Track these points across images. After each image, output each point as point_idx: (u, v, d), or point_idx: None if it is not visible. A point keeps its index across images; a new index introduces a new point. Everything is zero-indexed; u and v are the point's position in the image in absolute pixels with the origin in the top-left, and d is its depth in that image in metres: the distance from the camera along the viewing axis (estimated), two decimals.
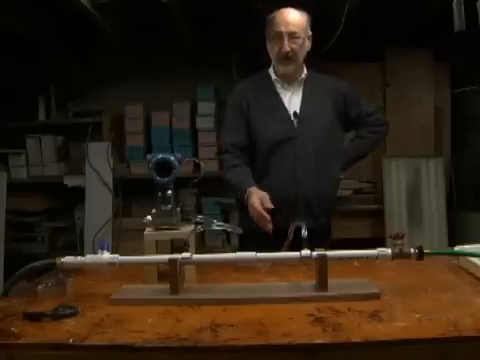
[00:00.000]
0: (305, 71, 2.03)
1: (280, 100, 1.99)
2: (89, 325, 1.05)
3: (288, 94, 2.01)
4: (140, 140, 3.60)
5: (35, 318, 1.08)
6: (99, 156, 3.48)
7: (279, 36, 1.91)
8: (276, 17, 1.95)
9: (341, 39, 2.87)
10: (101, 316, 1.11)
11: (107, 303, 1.20)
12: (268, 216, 1.76)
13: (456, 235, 3.58)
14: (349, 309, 1.11)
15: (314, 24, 2.66)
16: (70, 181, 3.55)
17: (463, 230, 3.61)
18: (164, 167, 1.43)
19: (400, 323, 1.01)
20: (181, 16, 2.92)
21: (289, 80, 2.01)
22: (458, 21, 1.85)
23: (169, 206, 1.42)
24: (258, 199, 1.78)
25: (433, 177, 3.65)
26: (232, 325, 1.03)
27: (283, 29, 1.90)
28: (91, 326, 1.05)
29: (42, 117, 3.72)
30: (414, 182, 3.66)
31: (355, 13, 2.77)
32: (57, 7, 2.98)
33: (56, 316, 1.09)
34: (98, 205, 3.45)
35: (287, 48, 1.90)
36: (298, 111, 1.97)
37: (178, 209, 1.43)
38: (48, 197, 3.68)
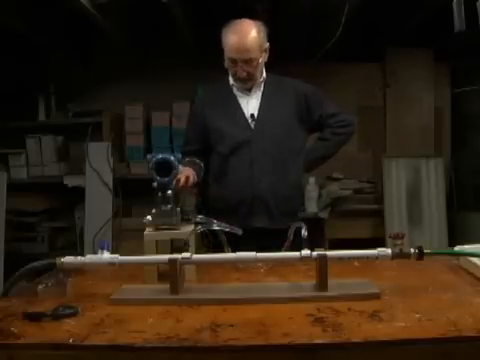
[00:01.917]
0: (264, 75, 2.02)
1: (237, 103, 2.00)
2: (89, 325, 1.05)
3: (246, 97, 2.01)
4: (140, 140, 3.60)
5: (35, 318, 1.08)
6: (99, 156, 3.48)
7: (233, 61, 1.90)
8: (229, 39, 1.88)
9: (341, 39, 2.86)
10: (101, 316, 1.11)
11: (107, 303, 1.20)
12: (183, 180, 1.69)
13: (456, 235, 3.59)
14: (349, 309, 1.11)
15: (314, 24, 2.67)
16: (70, 181, 3.55)
17: (463, 230, 3.61)
18: (164, 167, 1.43)
19: (400, 323, 1.01)
20: (181, 16, 2.92)
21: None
22: (458, 21, 1.85)
23: (169, 206, 1.42)
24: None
25: (433, 177, 3.66)
26: (232, 325, 1.03)
27: (237, 56, 1.87)
28: (91, 326, 1.05)
29: (42, 117, 3.73)
30: (414, 182, 3.66)
31: (355, 13, 2.76)
32: (57, 7, 2.98)
33: (56, 316, 1.09)
34: (98, 205, 3.45)
35: (243, 74, 1.90)
36: (255, 113, 1.97)
37: (178, 209, 1.43)
38: (48, 197, 3.68)
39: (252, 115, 1.97)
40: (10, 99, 3.55)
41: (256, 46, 1.87)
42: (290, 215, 1.97)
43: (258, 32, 1.89)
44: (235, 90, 2.02)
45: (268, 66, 2.04)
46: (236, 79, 1.96)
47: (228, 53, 1.90)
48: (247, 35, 1.86)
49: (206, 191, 2.07)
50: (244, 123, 1.97)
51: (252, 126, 1.96)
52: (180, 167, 1.68)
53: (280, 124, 1.97)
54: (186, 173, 1.72)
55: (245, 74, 1.90)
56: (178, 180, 1.63)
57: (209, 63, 3.53)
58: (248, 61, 1.88)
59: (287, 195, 1.98)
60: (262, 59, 1.95)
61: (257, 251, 1.26)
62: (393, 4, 3.02)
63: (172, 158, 1.45)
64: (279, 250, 1.32)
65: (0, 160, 3.62)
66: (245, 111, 1.98)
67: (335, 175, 3.62)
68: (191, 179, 1.75)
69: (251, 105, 1.99)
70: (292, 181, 2.01)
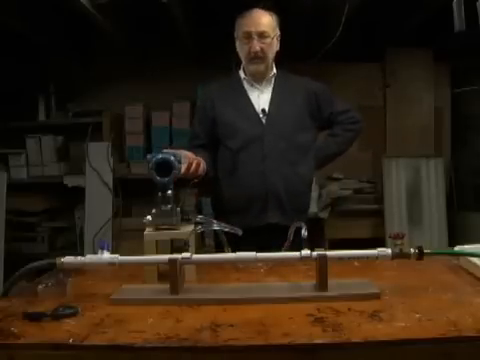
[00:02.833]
0: (274, 70, 2.04)
1: (248, 98, 2.01)
2: (89, 325, 1.05)
3: (256, 92, 2.02)
4: (140, 140, 3.60)
5: (35, 318, 1.08)
6: (99, 156, 3.48)
7: (248, 36, 1.93)
8: (245, 18, 1.96)
9: (341, 39, 2.87)
10: (101, 316, 1.11)
11: (107, 303, 1.20)
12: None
13: (456, 235, 3.59)
14: (349, 309, 1.11)
15: (314, 24, 2.65)
16: (70, 181, 3.56)
17: (463, 230, 3.61)
18: (164, 167, 1.42)
19: (400, 323, 1.01)
20: (181, 16, 2.92)
21: (258, 79, 2.02)
22: (458, 21, 1.85)
23: (169, 206, 1.42)
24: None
25: (433, 177, 3.66)
26: (232, 325, 1.03)
27: (252, 29, 1.92)
28: (91, 326, 1.05)
29: (42, 117, 3.72)
30: (414, 182, 3.66)
31: (355, 13, 2.77)
32: (57, 7, 2.98)
33: (56, 316, 1.09)
34: (98, 205, 3.45)
35: (257, 47, 1.92)
36: (267, 108, 1.97)
37: (178, 209, 1.43)
38: (48, 197, 3.68)
39: (263, 110, 1.97)
40: (10, 99, 3.55)
41: (270, 23, 1.95)
42: (301, 211, 2.00)
43: (271, 15, 1.98)
44: (245, 84, 2.03)
45: (279, 63, 2.05)
46: (250, 59, 1.96)
47: (243, 28, 1.94)
48: (261, 12, 1.96)
49: (216, 188, 2.05)
50: (255, 118, 1.97)
51: (263, 121, 1.97)
52: (188, 153, 1.70)
53: (291, 119, 1.98)
54: (198, 159, 1.74)
55: (258, 48, 1.92)
56: (190, 164, 1.64)
57: (209, 63, 3.56)
58: (262, 34, 1.92)
59: (299, 191, 2.00)
60: (275, 44, 1.98)
61: (257, 251, 1.26)
62: (393, 4, 3.02)
63: (172, 158, 1.45)
64: (279, 250, 1.32)
65: (0, 160, 3.62)
66: (256, 106, 1.99)
67: (335, 175, 3.62)
68: (201, 167, 1.76)
69: (262, 100, 2.00)
70: (303, 177, 2.02)
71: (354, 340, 0.94)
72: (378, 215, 3.61)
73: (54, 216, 3.71)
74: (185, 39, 3.39)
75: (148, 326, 1.04)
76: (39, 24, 3.08)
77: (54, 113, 3.74)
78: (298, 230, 1.32)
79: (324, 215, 3.47)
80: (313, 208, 3.44)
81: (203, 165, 1.79)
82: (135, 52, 3.65)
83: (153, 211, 1.42)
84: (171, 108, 3.61)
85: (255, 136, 1.95)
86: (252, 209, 1.93)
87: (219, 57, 3.56)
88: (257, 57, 1.94)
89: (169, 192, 1.42)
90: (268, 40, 1.94)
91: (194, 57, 3.64)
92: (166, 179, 1.42)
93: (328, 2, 2.88)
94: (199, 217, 1.48)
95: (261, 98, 2.01)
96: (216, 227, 1.42)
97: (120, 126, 3.62)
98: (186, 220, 1.47)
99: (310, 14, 3.05)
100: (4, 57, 3.41)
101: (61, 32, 3.40)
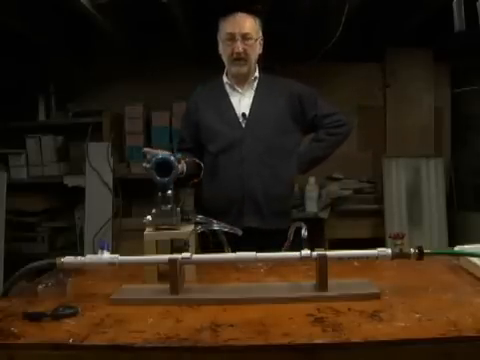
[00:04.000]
0: (257, 73, 2.04)
1: (229, 102, 2.01)
2: (89, 325, 1.05)
3: (238, 96, 2.02)
4: (140, 140, 3.60)
5: (35, 318, 1.08)
6: (99, 156, 3.48)
7: (232, 38, 1.94)
8: (228, 20, 1.97)
9: (341, 39, 2.87)
10: (101, 316, 1.11)
11: (107, 303, 1.20)
12: None
13: (456, 235, 3.59)
14: (349, 309, 1.11)
15: (314, 24, 2.65)
16: (70, 181, 3.55)
17: (463, 230, 3.61)
18: (164, 167, 1.43)
19: (400, 323, 1.01)
20: (181, 16, 2.92)
21: (240, 82, 2.02)
22: (458, 21, 1.85)
23: (169, 206, 1.42)
24: None
25: (433, 177, 3.66)
26: (232, 325, 1.03)
27: (236, 30, 1.93)
28: (91, 326, 1.05)
29: (42, 117, 3.72)
30: (414, 182, 3.66)
31: (355, 13, 2.77)
32: (57, 7, 2.98)
33: (56, 316, 1.09)
34: (98, 205, 3.45)
35: (240, 49, 1.93)
36: (247, 112, 1.97)
37: (178, 209, 1.43)
38: (48, 197, 3.68)
39: (243, 114, 1.97)
40: (10, 99, 3.55)
41: (253, 26, 1.97)
42: (282, 215, 1.98)
43: (254, 18, 1.99)
44: (228, 88, 2.04)
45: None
46: (233, 60, 1.96)
47: (227, 29, 1.96)
48: (245, 15, 1.97)
49: (198, 191, 2.08)
50: (235, 122, 1.98)
51: (243, 125, 1.97)
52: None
53: (272, 123, 1.97)
54: None
55: (241, 49, 1.93)
56: None
57: (209, 63, 3.53)
58: (245, 36, 1.93)
59: (278, 195, 1.98)
60: (258, 46, 1.99)
61: (257, 251, 1.26)
62: (393, 4, 3.02)
63: (172, 158, 1.45)
64: (279, 250, 1.32)
65: (0, 160, 3.62)
66: (237, 110, 1.99)
67: (335, 175, 3.62)
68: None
69: (243, 104, 2.00)
70: (283, 181, 2.01)
71: (354, 340, 0.94)
72: (378, 215, 3.61)
73: (54, 216, 3.71)
74: (185, 39, 3.39)
75: (148, 326, 1.04)
76: (39, 24, 3.08)
77: (54, 113, 3.74)
78: (298, 230, 1.32)
79: (324, 215, 3.47)
80: (313, 208, 3.45)
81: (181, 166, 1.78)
82: (135, 52, 3.65)
83: (153, 211, 1.42)
84: (171, 108, 3.61)
85: (235, 140, 1.95)
86: (230, 212, 1.92)
87: (219, 57, 3.56)
88: (240, 58, 1.95)
89: (169, 192, 1.42)
90: (251, 42, 1.94)
91: (194, 57, 3.63)
92: (166, 179, 1.42)
93: (328, 2, 2.87)
94: (199, 217, 1.48)
95: (242, 102, 2.00)
96: (216, 227, 1.42)
97: (120, 126, 3.62)
98: (186, 220, 1.47)
99: (310, 15, 3.05)
100: (4, 57, 3.41)
101: (61, 32, 3.40)
